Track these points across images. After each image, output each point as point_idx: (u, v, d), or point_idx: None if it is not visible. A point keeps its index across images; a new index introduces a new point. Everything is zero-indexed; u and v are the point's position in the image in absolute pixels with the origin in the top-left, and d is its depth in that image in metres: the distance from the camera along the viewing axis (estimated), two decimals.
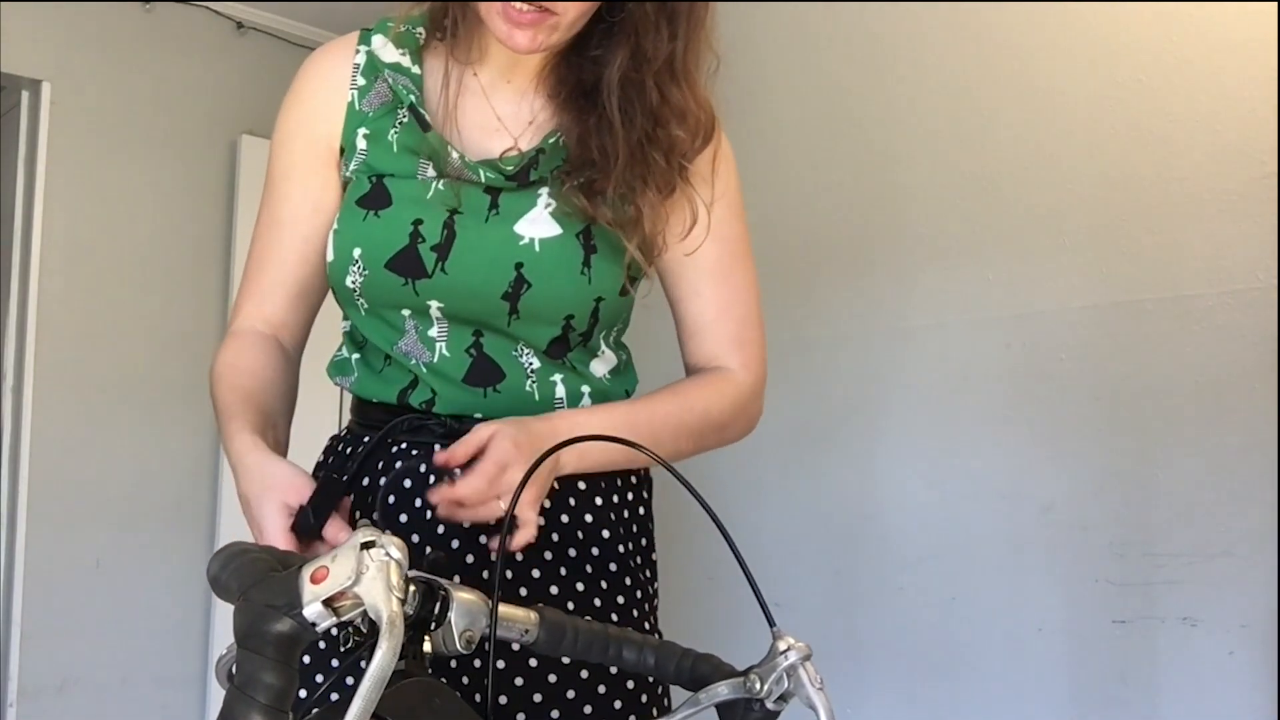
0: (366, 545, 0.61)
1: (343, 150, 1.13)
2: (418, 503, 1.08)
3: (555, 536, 1.09)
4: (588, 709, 1.06)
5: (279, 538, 0.92)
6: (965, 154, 2.46)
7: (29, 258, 3.52)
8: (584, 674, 1.06)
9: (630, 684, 1.08)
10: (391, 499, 1.08)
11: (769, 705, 0.76)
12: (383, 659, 0.58)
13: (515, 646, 0.79)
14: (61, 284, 3.56)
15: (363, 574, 0.60)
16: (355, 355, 1.16)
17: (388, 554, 0.61)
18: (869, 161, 2.66)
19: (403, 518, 1.08)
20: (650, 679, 1.09)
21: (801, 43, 2.79)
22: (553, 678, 1.06)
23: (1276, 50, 1.98)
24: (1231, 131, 2.05)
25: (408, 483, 1.08)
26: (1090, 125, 2.25)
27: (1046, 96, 2.32)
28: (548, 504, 1.09)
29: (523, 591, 1.07)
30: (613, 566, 1.12)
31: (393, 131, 1.11)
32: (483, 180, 1.09)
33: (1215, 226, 2.05)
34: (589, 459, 1.08)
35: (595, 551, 1.11)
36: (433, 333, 1.09)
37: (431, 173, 1.09)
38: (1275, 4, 1.99)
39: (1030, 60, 2.36)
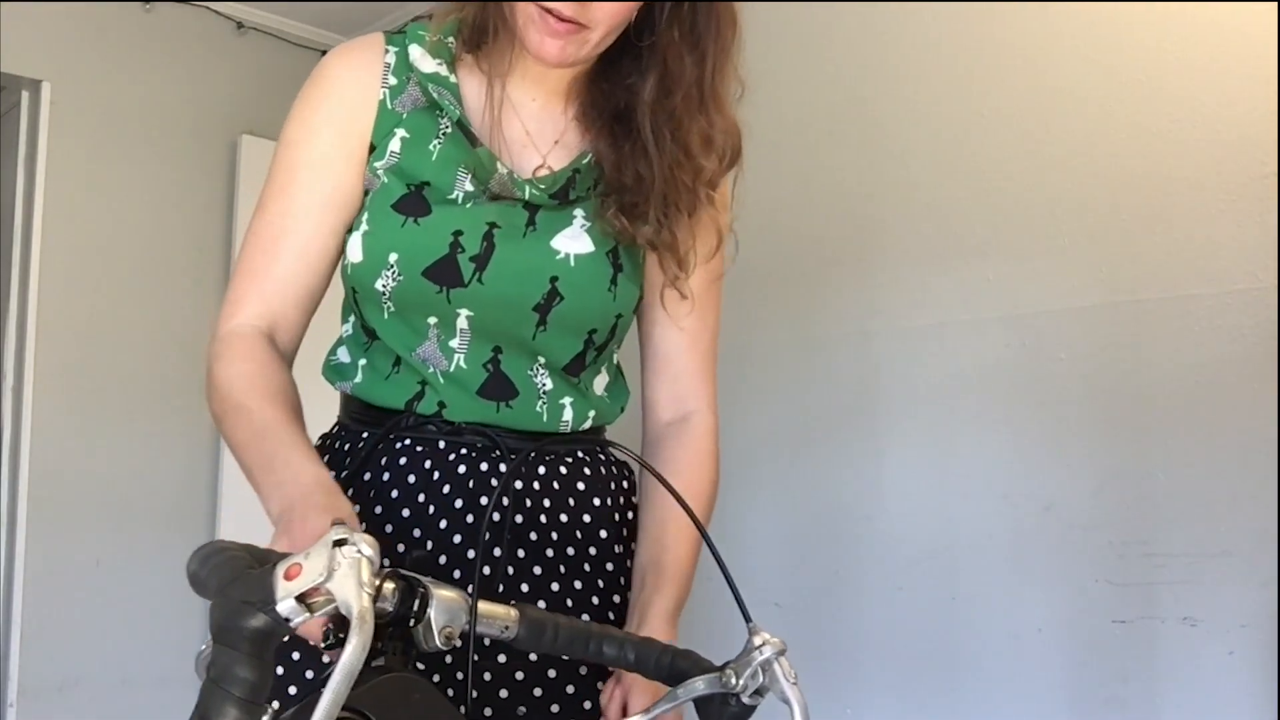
0: (339, 543, 0.62)
1: (373, 147, 1.11)
2: (421, 498, 1.09)
3: (554, 535, 1.12)
4: (570, 688, 1.09)
5: None
6: (966, 154, 2.45)
7: (29, 258, 3.53)
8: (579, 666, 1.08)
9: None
10: (395, 494, 1.09)
11: (744, 700, 0.77)
12: (352, 653, 0.59)
13: (486, 641, 0.79)
14: (61, 284, 3.57)
15: (334, 570, 0.61)
16: (361, 360, 1.15)
17: (359, 551, 0.62)
18: (869, 162, 2.65)
19: (405, 512, 1.09)
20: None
21: (803, 42, 2.79)
22: (552, 672, 1.08)
23: (1276, 50, 1.98)
24: (1231, 131, 2.04)
25: (411, 478, 1.09)
26: (1091, 125, 2.24)
27: (1047, 96, 2.32)
28: (547, 503, 1.12)
29: (524, 588, 1.09)
30: (609, 566, 1.15)
31: (434, 142, 1.10)
32: (526, 196, 1.10)
33: (1215, 226, 2.05)
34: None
35: (593, 551, 1.14)
36: (453, 343, 1.09)
37: (470, 186, 1.09)
38: (1275, 4, 1.99)
39: (1031, 60, 2.36)
